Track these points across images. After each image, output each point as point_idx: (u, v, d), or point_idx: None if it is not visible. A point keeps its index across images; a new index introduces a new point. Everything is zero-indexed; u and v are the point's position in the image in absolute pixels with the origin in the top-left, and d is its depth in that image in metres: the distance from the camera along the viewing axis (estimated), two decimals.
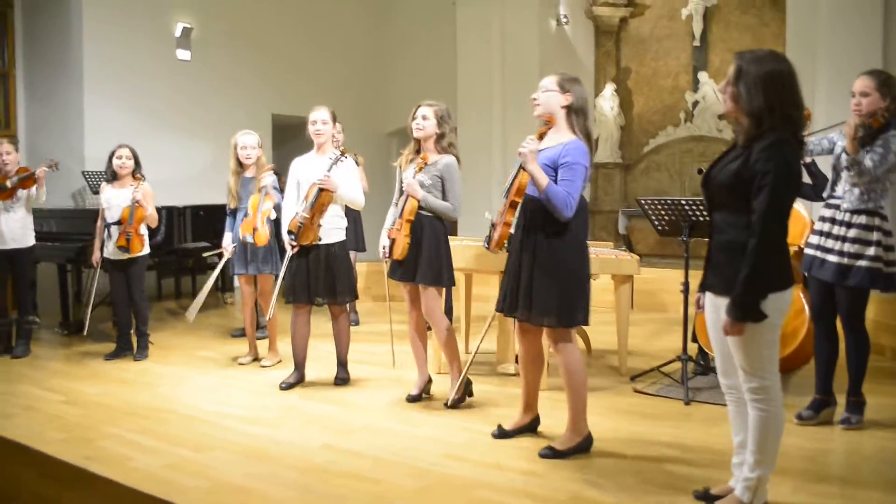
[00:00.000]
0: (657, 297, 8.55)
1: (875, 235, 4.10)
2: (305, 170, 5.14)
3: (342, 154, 5.03)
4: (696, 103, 12.34)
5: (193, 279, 9.51)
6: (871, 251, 4.08)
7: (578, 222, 3.79)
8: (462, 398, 4.76)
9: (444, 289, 4.86)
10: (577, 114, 3.81)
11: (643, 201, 5.22)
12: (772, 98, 2.87)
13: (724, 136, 12.04)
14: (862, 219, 4.11)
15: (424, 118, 4.63)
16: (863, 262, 4.08)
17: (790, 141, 2.88)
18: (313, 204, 4.94)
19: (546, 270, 3.75)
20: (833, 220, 4.22)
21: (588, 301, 3.85)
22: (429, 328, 4.87)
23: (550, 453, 3.84)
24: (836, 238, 4.17)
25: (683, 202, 4.97)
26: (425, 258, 4.61)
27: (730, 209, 2.99)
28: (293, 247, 5.03)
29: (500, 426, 4.20)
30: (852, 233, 4.12)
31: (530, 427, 4.19)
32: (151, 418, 4.56)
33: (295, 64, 11.14)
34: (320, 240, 5.04)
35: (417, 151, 4.74)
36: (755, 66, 2.92)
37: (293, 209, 5.09)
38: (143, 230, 6.09)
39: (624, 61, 12.81)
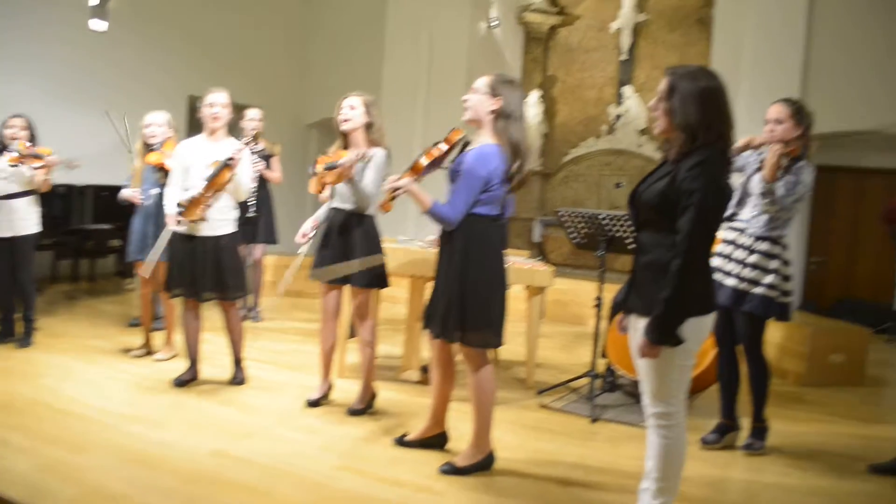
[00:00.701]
0: (569, 309, 8.53)
1: (774, 264, 4.10)
2: (195, 155, 4.82)
3: (255, 140, 4.78)
4: (618, 116, 12.42)
5: (92, 262, 9.06)
6: (769, 279, 4.08)
7: (490, 238, 3.63)
8: (366, 408, 4.60)
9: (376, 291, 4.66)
10: (507, 119, 3.58)
11: (561, 212, 5.13)
12: (706, 114, 2.80)
13: (644, 152, 12.17)
14: (764, 245, 4.11)
15: (352, 107, 4.39)
16: (759, 290, 4.08)
17: (718, 159, 2.80)
18: (212, 178, 4.65)
19: (455, 288, 3.60)
20: (734, 244, 4.21)
21: (500, 322, 3.68)
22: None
23: (451, 469, 3.70)
24: (737, 262, 4.17)
25: (602, 217, 4.90)
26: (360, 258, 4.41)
27: (655, 228, 2.89)
28: (178, 222, 4.73)
29: (403, 435, 4.06)
30: (752, 258, 4.12)
31: (437, 442, 4.02)
32: (28, 413, 4.22)
33: (216, 45, 10.71)
34: (204, 220, 4.73)
35: (345, 148, 4.47)
36: (689, 82, 2.84)
37: (177, 196, 4.80)
38: (35, 205, 5.70)
39: (551, 69, 12.82)
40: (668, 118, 2.90)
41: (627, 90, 12.33)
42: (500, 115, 3.58)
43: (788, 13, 8.88)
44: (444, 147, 3.66)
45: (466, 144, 3.69)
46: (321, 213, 4.64)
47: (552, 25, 12.77)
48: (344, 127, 4.40)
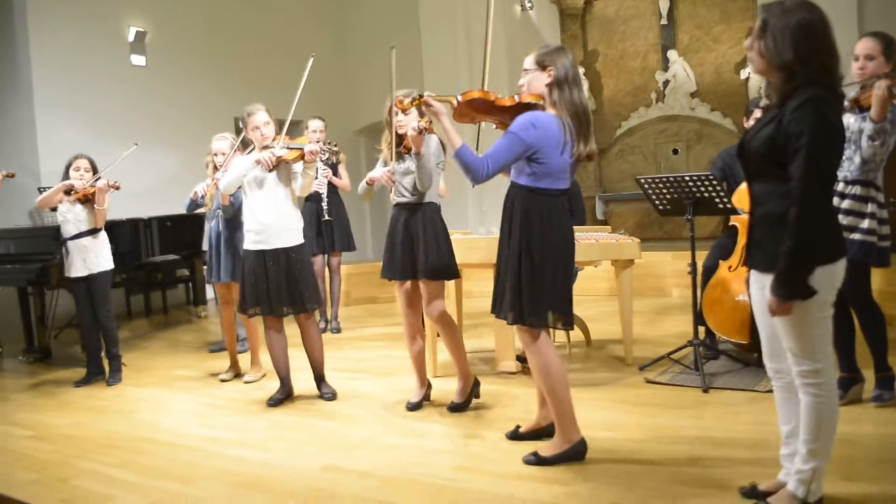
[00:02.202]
0: (646, 282, 8.31)
1: (870, 207, 3.87)
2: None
3: (336, 154, 4.72)
4: (666, 82, 12.15)
5: (164, 294, 9.09)
6: (866, 224, 3.86)
7: (552, 213, 3.43)
8: (468, 401, 4.45)
9: (446, 283, 4.50)
10: (562, 87, 3.40)
11: (643, 180, 4.92)
12: (803, 49, 2.58)
13: (698, 115, 11.90)
14: (857, 189, 3.88)
15: (406, 114, 4.26)
16: (856, 236, 3.85)
17: (826, 96, 2.58)
18: (291, 147, 4.65)
19: (513, 265, 3.45)
20: None
21: (562, 302, 3.47)
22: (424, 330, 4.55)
23: (535, 460, 3.52)
24: None
25: (687, 178, 4.69)
26: (424, 251, 4.27)
27: (768, 178, 2.69)
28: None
29: (517, 427, 3.91)
30: (846, 203, 3.89)
31: (550, 432, 3.80)
32: (130, 449, 4.15)
33: (255, 65, 10.70)
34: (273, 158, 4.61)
35: (399, 143, 4.33)
36: (782, 18, 2.62)
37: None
38: (104, 241, 5.68)
39: (591, 44, 12.59)
40: (762, 58, 2.69)
41: (672, 54, 12.07)
42: (555, 85, 3.41)
43: None
44: (507, 102, 3.46)
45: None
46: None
47: (586, 0, 12.53)
48: (401, 131, 4.29)
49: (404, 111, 4.05)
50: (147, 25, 9.33)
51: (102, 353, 5.82)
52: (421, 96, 3.49)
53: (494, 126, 3.63)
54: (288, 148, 4.67)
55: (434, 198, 4.35)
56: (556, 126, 3.36)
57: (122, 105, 9.04)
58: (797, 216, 2.52)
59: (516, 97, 3.46)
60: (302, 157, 4.63)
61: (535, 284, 3.40)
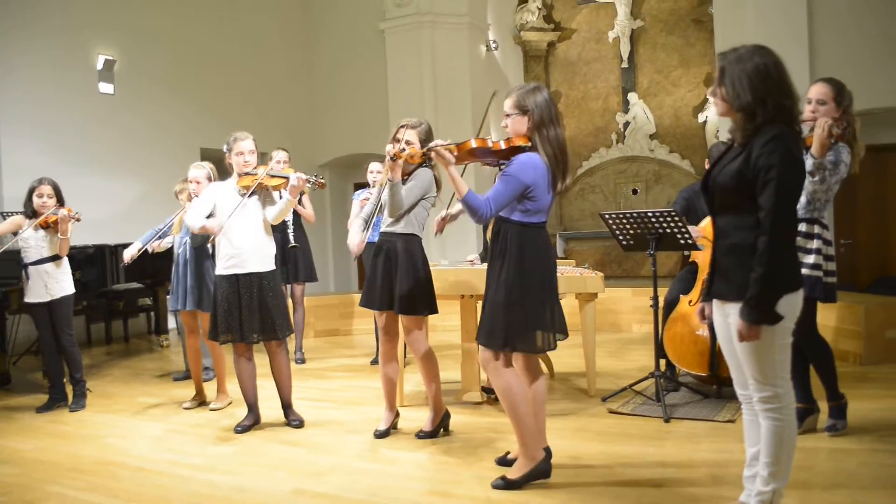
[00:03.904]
0: (606, 317, 8.46)
1: (815, 243, 4.02)
2: (226, 196, 4.83)
3: (322, 182, 4.79)
4: (626, 124, 12.46)
5: (125, 323, 9.02)
6: (811, 259, 4.00)
7: (542, 245, 3.61)
8: (437, 430, 4.53)
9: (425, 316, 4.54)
10: (540, 129, 3.55)
11: (608, 216, 5.08)
12: (760, 91, 2.77)
13: (657, 156, 12.19)
14: (803, 226, 4.03)
15: (408, 143, 4.34)
16: (803, 270, 3.98)
17: (789, 132, 2.76)
18: (275, 175, 4.75)
19: (489, 291, 3.61)
20: None
21: (526, 329, 3.56)
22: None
23: (503, 483, 3.60)
24: None
25: (650, 214, 4.85)
26: (401, 284, 4.35)
27: (734, 211, 2.85)
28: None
29: (506, 454, 3.99)
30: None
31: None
32: (99, 473, 4.14)
33: (223, 95, 10.79)
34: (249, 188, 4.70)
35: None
36: (738, 64, 2.83)
37: (200, 217, 4.81)
38: (66, 267, 5.68)
39: (554, 85, 12.87)
40: (724, 102, 2.88)
41: (632, 97, 12.38)
42: (536, 129, 3.57)
43: (787, 1, 8.89)
44: (502, 145, 3.61)
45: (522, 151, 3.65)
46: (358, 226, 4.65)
47: (549, 42, 12.86)
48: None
49: (410, 162, 4.16)
50: (116, 54, 9.37)
51: (65, 379, 5.78)
52: (430, 148, 3.61)
53: (480, 164, 3.80)
54: (272, 175, 4.75)
55: (416, 230, 4.42)
56: (545, 166, 3.53)
57: (88, 132, 9.04)
58: (767, 244, 2.67)
59: (502, 143, 3.60)
60: (285, 185, 4.69)
61: (528, 309, 3.52)
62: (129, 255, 5.82)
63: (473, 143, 3.59)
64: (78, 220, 5.54)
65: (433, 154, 3.58)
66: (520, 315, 3.52)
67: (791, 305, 2.76)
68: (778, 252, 2.68)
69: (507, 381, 3.59)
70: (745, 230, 2.78)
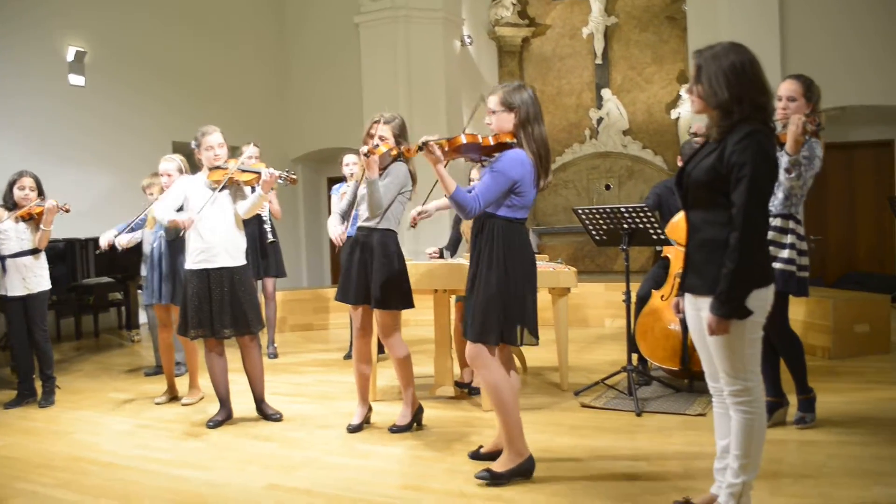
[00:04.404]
0: (578, 312, 8.49)
1: (789, 238, 4.08)
2: (196, 189, 4.79)
3: (293, 178, 4.76)
4: (600, 120, 12.51)
5: (95, 317, 8.93)
6: (786, 254, 4.07)
7: (524, 240, 3.67)
8: (411, 424, 4.53)
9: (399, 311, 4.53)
10: (525, 127, 3.59)
11: (581, 211, 5.10)
12: (735, 89, 2.79)
13: (630, 152, 12.25)
14: (778, 221, 4.09)
15: (382, 138, 4.34)
16: (777, 265, 4.04)
17: (764, 130, 2.79)
18: (246, 169, 4.72)
19: (477, 286, 3.62)
20: None
21: (514, 322, 3.61)
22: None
23: (488, 476, 3.61)
24: None
25: (623, 209, 4.88)
26: (376, 279, 4.34)
27: (707, 206, 2.87)
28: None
29: (479, 448, 4.01)
30: (768, 235, 4.09)
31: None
32: (69, 469, 4.10)
33: (196, 89, 10.70)
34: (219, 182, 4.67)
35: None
36: (714, 62, 2.85)
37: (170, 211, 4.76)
38: (44, 261, 5.61)
39: (528, 80, 12.89)
40: (701, 99, 2.90)
41: (606, 93, 12.44)
42: (521, 126, 3.60)
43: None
44: (490, 140, 3.62)
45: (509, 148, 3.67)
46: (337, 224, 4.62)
47: (524, 37, 12.87)
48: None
49: (407, 155, 4.23)
50: (87, 45, 9.24)
51: (35, 375, 5.71)
52: (426, 143, 3.59)
53: (464, 161, 3.82)
54: (242, 170, 4.72)
55: (392, 225, 4.42)
56: (531, 162, 3.56)
57: (58, 124, 8.91)
58: (739, 240, 2.70)
59: (490, 139, 3.62)
60: (257, 180, 4.67)
61: (517, 303, 3.57)
62: (105, 240, 5.73)
63: (464, 139, 3.60)
64: (67, 211, 5.48)
65: (425, 150, 3.57)
66: (511, 308, 3.57)
67: (761, 300, 2.79)
68: (749, 248, 2.71)
69: (498, 375, 3.63)
70: (718, 226, 2.81)
